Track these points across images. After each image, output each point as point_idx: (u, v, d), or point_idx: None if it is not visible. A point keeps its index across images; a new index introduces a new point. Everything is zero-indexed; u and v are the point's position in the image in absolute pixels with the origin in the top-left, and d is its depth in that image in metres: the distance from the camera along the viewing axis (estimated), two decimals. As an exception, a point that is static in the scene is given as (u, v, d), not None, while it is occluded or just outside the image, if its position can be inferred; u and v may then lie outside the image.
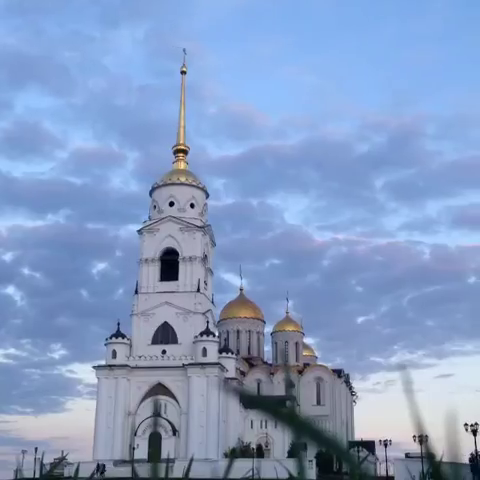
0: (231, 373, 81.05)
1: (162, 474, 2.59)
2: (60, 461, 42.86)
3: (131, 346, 79.78)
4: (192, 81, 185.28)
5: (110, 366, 77.82)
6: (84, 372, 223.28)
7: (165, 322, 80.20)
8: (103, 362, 79.74)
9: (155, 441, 67.79)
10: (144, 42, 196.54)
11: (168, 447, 68.73)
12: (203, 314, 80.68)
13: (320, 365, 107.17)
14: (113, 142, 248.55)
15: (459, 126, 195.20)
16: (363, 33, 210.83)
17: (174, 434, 73.96)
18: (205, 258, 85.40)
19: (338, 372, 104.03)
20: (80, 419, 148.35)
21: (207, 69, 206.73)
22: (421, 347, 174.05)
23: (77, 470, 5.85)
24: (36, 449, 67.19)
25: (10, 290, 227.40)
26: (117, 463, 70.13)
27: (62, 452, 49.68)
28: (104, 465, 64.16)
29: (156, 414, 33.90)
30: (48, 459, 53.84)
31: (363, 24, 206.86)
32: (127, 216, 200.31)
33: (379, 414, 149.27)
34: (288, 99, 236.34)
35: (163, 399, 73.39)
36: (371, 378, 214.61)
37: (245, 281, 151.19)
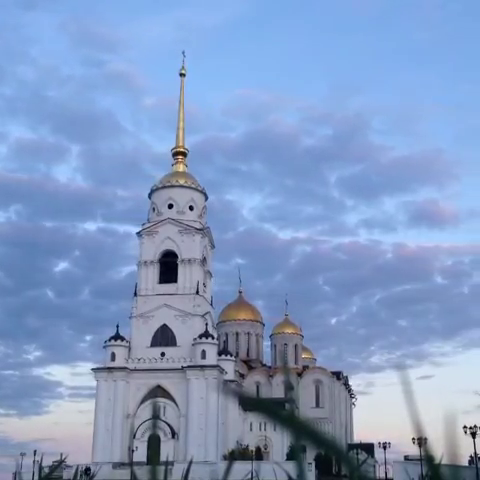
0: (230, 375, 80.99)
1: (161, 477, 2.58)
2: (59, 464, 42.72)
3: (130, 348, 79.75)
4: (125, 71, 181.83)
5: (109, 368, 77.79)
6: (62, 374, 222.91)
7: (164, 324, 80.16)
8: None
9: (154, 443, 67.67)
10: (65, 29, 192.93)
11: (167, 449, 68.62)
12: (202, 316, 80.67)
13: (319, 367, 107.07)
14: (51, 136, 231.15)
15: (407, 120, 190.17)
16: (303, 20, 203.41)
17: (173, 436, 73.91)
18: (204, 260, 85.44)
19: (337, 374, 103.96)
20: (66, 421, 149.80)
21: (140, 58, 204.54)
22: (399, 348, 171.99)
23: (76, 472, 5.86)
24: (35, 452, 67.07)
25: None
26: (116, 466, 70.09)
27: (61, 455, 49.47)
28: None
29: (155, 416, 33.67)
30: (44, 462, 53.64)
31: (303, 11, 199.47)
32: (80, 213, 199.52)
33: (376, 416, 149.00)
34: (227, 89, 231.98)
35: (162, 401, 73.27)
36: (351, 379, 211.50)
37: (212, 281, 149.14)
